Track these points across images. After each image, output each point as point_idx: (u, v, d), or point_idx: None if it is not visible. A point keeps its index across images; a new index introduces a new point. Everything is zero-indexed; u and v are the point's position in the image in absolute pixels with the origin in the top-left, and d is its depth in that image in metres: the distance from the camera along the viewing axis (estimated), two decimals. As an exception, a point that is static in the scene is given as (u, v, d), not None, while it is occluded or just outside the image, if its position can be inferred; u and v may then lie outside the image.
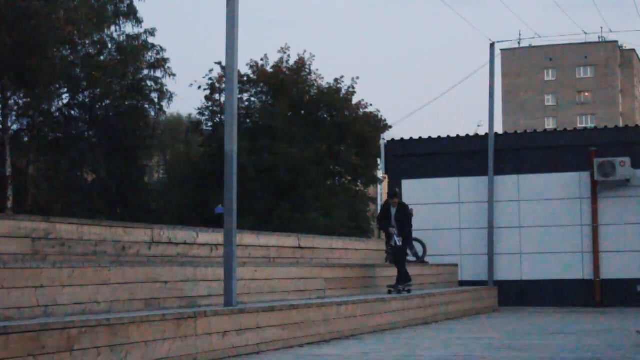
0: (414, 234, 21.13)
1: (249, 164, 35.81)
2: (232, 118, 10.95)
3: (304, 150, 37.53)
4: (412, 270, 18.75)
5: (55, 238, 10.39)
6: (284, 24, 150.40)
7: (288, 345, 11.07)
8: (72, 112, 41.14)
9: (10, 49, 33.87)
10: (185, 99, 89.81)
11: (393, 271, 17.62)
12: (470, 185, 22.06)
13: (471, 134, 23.58)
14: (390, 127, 42.38)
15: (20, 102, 39.02)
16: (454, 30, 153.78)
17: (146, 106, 41.92)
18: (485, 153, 21.55)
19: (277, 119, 38.28)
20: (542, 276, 21.38)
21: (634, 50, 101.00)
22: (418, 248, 19.92)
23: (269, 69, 41.15)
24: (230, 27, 10.97)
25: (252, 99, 41.79)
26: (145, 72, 41.71)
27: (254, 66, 41.11)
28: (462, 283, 21.11)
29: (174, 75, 41.91)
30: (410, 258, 18.44)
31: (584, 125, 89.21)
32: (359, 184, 42.53)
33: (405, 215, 16.14)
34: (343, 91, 41.15)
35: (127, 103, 41.04)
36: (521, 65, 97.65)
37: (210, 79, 40.79)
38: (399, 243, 15.91)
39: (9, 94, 37.37)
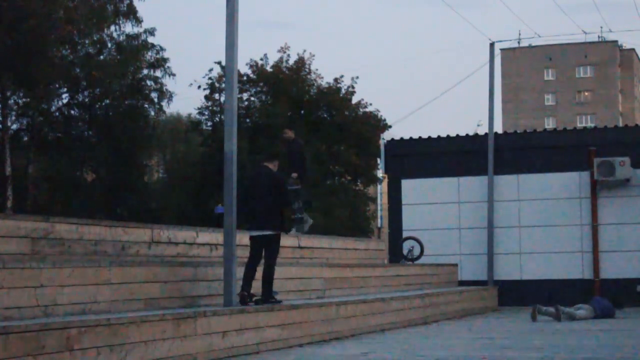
0: (411, 233, 21.14)
1: (249, 163, 35.83)
2: (231, 118, 10.95)
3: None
4: (409, 270, 18.76)
5: (55, 238, 10.38)
6: (284, 24, 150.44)
7: (288, 345, 11.07)
8: (72, 112, 41.16)
9: (10, 49, 33.85)
10: (185, 98, 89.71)
11: (393, 271, 17.62)
12: (470, 185, 22.05)
13: (471, 133, 23.59)
14: (390, 126, 42.39)
15: (20, 102, 39.04)
16: (454, 30, 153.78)
17: (146, 106, 41.91)
18: (485, 153, 21.54)
19: (277, 118, 38.28)
20: (542, 276, 21.37)
21: (633, 50, 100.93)
22: (415, 248, 19.90)
23: (268, 68, 41.18)
24: (230, 27, 10.98)
25: (252, 98, 41.83)
26: (145, 71, 41.70)
27: (254, 66, 41.14)
28: (462, 283, 21.11)
29: (173, 75, 41.93)
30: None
31: (583, 125, 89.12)
32: (358, 183, 42.55)
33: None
34: (343, 91, 41.17)
35: (127, 103, 41.03)
36: (521, 65, 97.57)
37: (210, 78, 40.86)
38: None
39: (9, 94, 37.36)
